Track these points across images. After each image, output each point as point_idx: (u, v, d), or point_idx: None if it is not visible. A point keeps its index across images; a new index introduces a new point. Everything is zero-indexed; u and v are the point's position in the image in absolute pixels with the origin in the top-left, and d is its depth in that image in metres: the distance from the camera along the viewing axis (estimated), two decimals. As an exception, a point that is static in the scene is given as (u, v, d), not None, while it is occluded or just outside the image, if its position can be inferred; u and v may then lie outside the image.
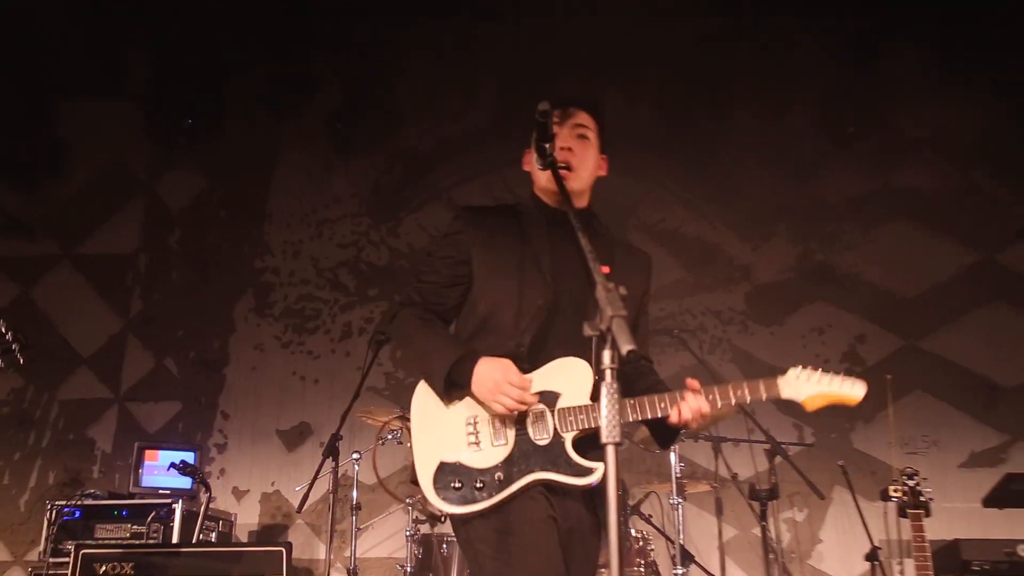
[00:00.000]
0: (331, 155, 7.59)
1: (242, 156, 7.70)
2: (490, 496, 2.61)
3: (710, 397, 2.66)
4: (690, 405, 2.64)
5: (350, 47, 7.29)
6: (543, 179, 2.89)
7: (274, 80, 7.52)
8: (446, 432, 2.72)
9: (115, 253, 7.63)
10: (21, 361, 3.92)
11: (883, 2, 6.75)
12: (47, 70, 7.44)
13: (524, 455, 2.65)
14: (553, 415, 2.67)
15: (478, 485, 2.63)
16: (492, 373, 2.63)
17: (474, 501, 2.62)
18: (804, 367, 2.73)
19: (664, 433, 2.84)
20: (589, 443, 2.63)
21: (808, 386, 2.69)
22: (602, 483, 2.39)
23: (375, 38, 7.23)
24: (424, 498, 2.69)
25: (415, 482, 2.76)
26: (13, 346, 3.88)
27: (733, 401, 2.67)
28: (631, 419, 2.67)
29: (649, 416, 2.68)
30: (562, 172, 2.72)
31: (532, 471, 2.62)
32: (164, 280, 7.57)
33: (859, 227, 7.14)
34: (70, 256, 7.64)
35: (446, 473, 2.66)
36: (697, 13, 6.74)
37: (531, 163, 2.95)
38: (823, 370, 2.73)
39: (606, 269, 2.29)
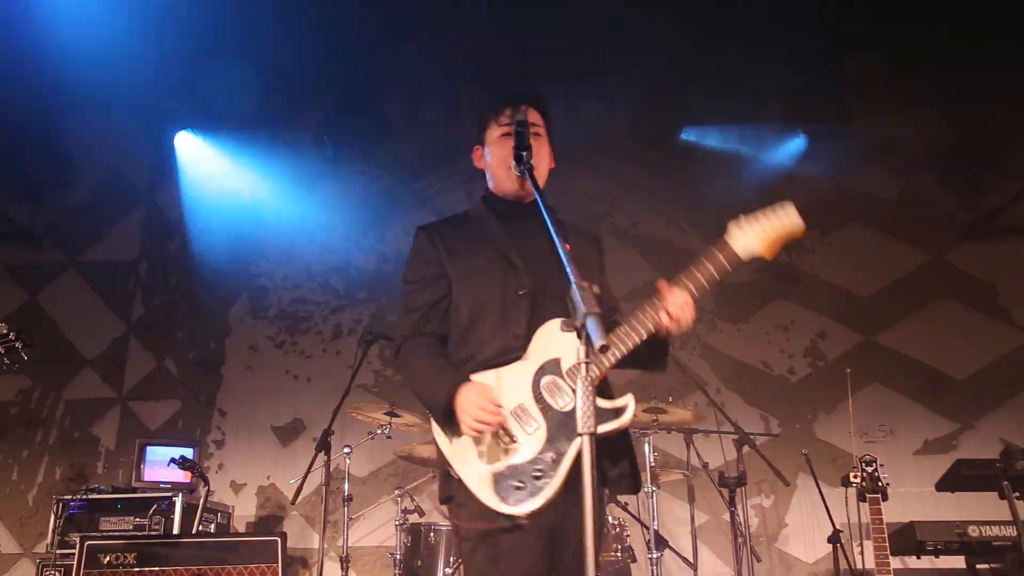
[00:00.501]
0: (321, 165, 7.56)
1: (237, 166, 7.66)
2: (551, 479, 2.52)
3: (685, 286, 2.60)
4: (674, 301, 2.58)
5: (340, 61, 7.26)
6: (503, 176, 2.87)
7: (268, 92, 7.48)
8: (481, 446, 2.62)
9: (117, 260, 7.60)
10: (25, 358, 3.88)
11: (841, 20, 6.79)
12: (50, 86, 7.37)
13: (560, 426, 2.56)
14: (564, 378, 2.60)
15: (536, 474, 2.53)
16: (465, 400, 2.57)
17: (542, 489, 2.51)
18: (738, 218, 2.68)
19: (655, 353, 2.76)
20: (605, 389, 2.65)
21: (755, 233, 2.65)
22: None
23: (363, 52, 7.20)
24: (489, 511, 2.57)
25: (446, 500, 2.70)
26: (16, 344, 3.83)
27: (704, 282, 2.60)
28: (630, 346, 2.57)
29: (644, 335, 2.58)
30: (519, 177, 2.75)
31: (575, 435, 2.47)
32: (164, 285, 7.54)
33: (819, 231, 7.19)
34: (75, 264, 7.61)
35: (503, 481, 2.56)
36: (669, 26, 6.75)
37: (484, 160, 2.97)
38: (755, 215, 2.69)
39: (567, 246, 2.29)
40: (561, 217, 2.88)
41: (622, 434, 2.71)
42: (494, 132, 2.91)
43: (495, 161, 2.90)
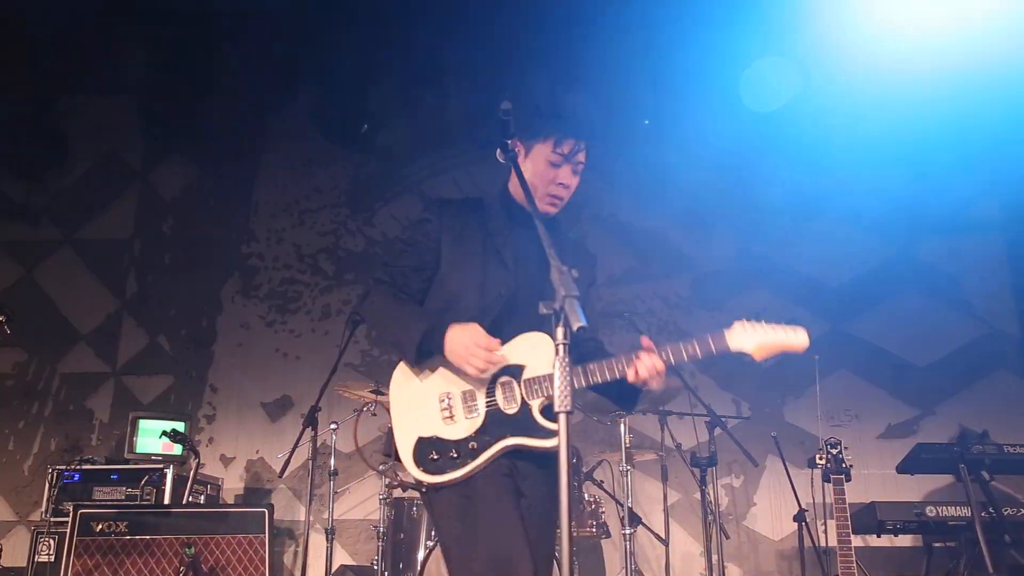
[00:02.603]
0: (312, 150, 7.54)
1: (230, 149, 7.63)
2: (464, 464, 2.59)
3: (663, 355, 2.60)
4: (645, 363, 2.58)
5: (331, 50, 7.22)
6: (535, 196, 2.78)
7: (260, 80, 7.44)
8: (422, 410, 2.68)
9: (112, 238, 7.55)
10: (8, 332, 3.83)
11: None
12: (48, 68, 7.32)
13: (495, 424, 2.63)
14: (520, 385, 2.64)
15: (453, 455, 2.60)
16: (462, 337, 2.59)
17: (451, 470, 2.59)
18: (748, 320, 2.64)
19: (625, 395, 2.80)
20: (551, 410, 2.58)
21: (754, 337, 2.61)
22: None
23: (354, 43, 7.17)
24: (402, 468, 2.67)
25: (389, 455, 2.74)
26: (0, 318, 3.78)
27: (685, 358, 2.59)
28: (592, 382, 2.62)
29: (608, 377, 2.61)
30: (552, 202, 2.82)
31: (503, 438, 2.60)
32: (157, 263, 7.50)
33: (791, 222, 7.23)
34: (70, 241, 7.56)
35: (424, 447, 2.63)
36: (645, 25, 6.76)
37: (522, 156, 2.87)
38: (765, 321, 2.65)
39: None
40: (566, 232, 2.96)
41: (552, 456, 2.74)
42: (545, 150, 2.83)
43: (534, 177, 2.83)
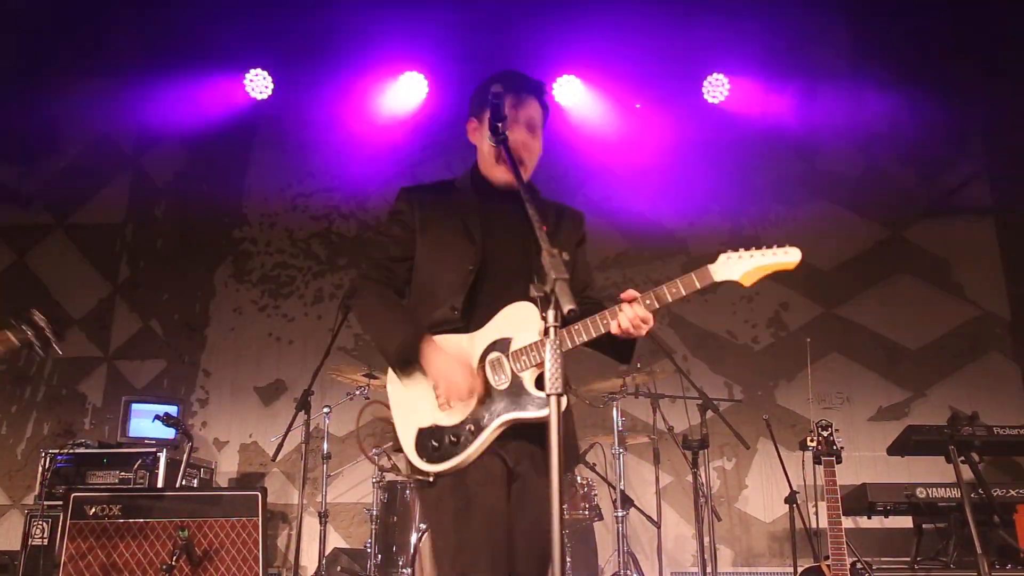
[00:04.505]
0: (304, 133, 7.50)
1: (222, 133, 7.58)
2: (465, 448, 2.56)
3: (647, 302, 2.49)
4: (627, 315, 2.49)
5: (322, 31, 7.18)
6: (491, 154, 2.79)
7: (251, 64, 7.40)
8: (418, 402, 2.67)
9: (104, 223, 7.52)
10: (59, 352, 3.89)
11: (808, 2, 6.78)
12: (39, 51, 7.26)
13: (490, 403, 2.59)
14: (508, 359, 2.60)
15: (453, 440, 2.57)
16: (451, 370, 2.58)
17: (453, 456, 2.56)
18: (734, 250, 2.52)
19: (618, 350, 2.74)
20: (543, 379, 2.53)
21: (740, 266, 2.51)
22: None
23: (344, 25, 7.12)
24: (408, 463, 2.64)
25: (398, 450, 2.73)
26: (52, 338, 3.83)
27: (669, 299, 2.48)
28: (578, 342, 2.56)
29: (593, 335, 2.54)
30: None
31: (500, 415, 2.57)
32: (150, 248, 7.48)
33: (784, 206, 7.23)
34: (63, 225, 7.53)
35: (425, 438, 2.62)
36: (640, 9, 6.74)
37: (475, 135, 2.89)
38: (755, 247, 2.53)
39: (543, 227, 2.27)
40: (544, 197, 2.90)
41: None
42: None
43: (487, 148, 2.80)
